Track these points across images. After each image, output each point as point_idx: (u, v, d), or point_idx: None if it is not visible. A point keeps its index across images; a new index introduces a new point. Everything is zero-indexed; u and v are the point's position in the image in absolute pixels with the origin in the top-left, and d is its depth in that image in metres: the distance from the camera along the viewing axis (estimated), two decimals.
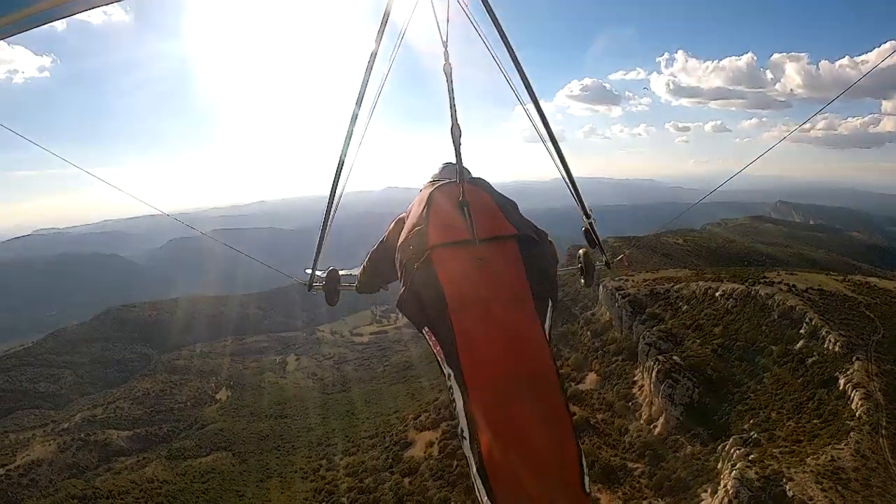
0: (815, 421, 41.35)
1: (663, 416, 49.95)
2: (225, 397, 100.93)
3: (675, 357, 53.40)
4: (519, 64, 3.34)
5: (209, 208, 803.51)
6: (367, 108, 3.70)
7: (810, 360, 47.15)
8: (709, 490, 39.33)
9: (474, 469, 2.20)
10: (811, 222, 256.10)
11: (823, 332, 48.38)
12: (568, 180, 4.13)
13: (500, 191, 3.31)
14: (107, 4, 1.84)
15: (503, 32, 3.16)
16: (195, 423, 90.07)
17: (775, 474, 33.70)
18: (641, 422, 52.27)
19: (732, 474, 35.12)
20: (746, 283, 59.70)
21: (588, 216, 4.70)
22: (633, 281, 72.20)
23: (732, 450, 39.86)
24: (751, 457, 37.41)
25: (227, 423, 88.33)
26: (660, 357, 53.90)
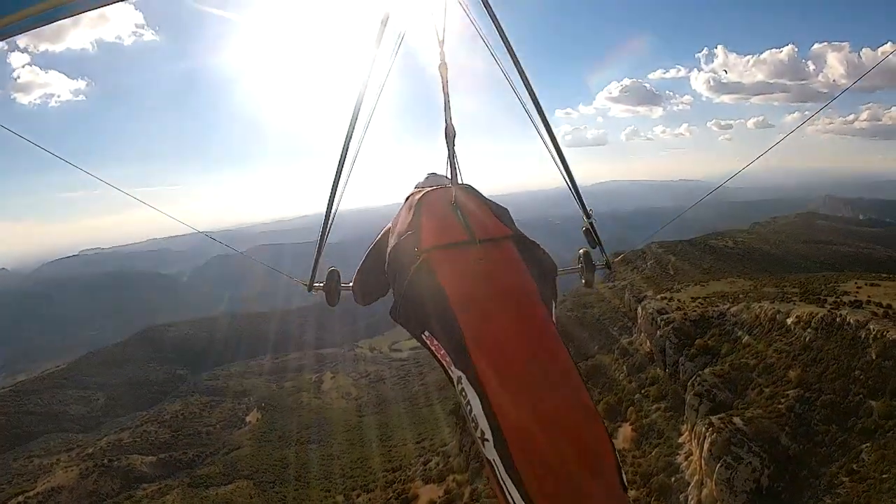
0: None
1: None
2: (255, 420, 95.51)
3: (735, 419, 37.25)
4: (519, 64, 3.22)
5: (253, 224, 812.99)
6: (367, 109, 3.63)
7: None
8: None
9: (502, 472, 1.94)
10: (861, 217, 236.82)
11: None
12: (568, 180, 3.94)
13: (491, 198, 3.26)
14: (107, 5, 1.83)
15: (503, 32, 3.07)
16: (222, 448, 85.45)
17: None
18: None
19: None
20: (828, 306, 43.22)
21: (588, 216, 4.32)
22: (678, 300, 57.16)
23: None
24: None
25: (253, 449, 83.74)
26: (714, 420, 37.77)
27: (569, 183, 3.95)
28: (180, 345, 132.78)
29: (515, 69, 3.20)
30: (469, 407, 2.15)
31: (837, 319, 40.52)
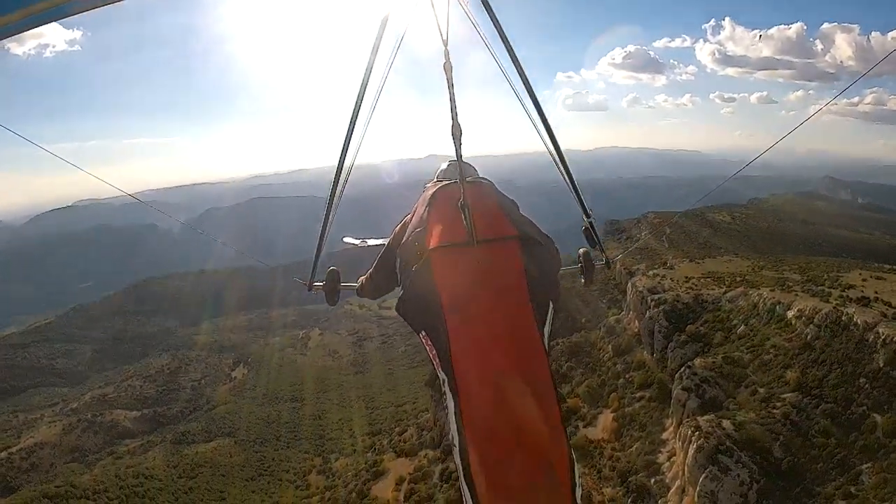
0: None
1: None
2: (241, 375, 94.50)
3: (725, 422, 32.22)
4: (518, 63, 3.17)
5: (249, 176, 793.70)
6: (367, 109, 3.50)
7: None
8: None
9: (462, 478, 2.02)
10: (859, 200, 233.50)
11: None
12: (567, 179, 3.85)
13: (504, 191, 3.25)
14: (107, 4, 1.79)
15: (502, 31, 3.01)
16: (206, 404, 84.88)
17: None
18: None
19: None
20: (833, 301, 37.88)
21: (588, 216, 4.21)
22: (671, 279, 51.92)
23: None
24: None
25: (236, 406, 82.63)
26: (702, 422, 32.69)
27: (569, 183, 3.84)
28: (171, 298, 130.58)
29: (515, 69, 3.13)
30: (447, 410, 2.14)
31: (843, 318, 35.05)
